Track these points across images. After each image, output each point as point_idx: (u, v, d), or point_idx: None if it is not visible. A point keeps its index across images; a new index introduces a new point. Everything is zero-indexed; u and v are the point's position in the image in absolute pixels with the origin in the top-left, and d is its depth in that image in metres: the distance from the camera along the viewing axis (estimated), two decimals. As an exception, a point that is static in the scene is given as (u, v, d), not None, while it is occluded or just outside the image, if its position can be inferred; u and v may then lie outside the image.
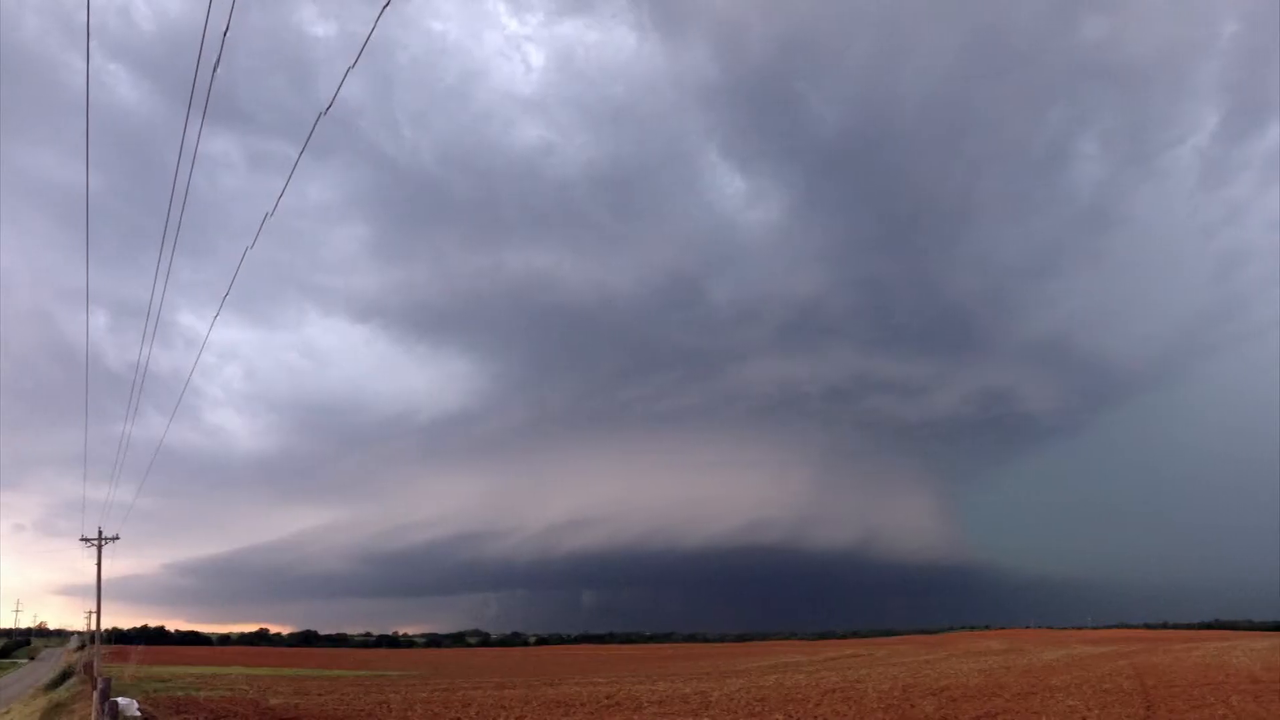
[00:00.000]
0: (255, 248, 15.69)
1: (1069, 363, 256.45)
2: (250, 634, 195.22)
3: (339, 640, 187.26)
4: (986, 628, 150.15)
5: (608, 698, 35.23)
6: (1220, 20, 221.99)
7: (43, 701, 42.69)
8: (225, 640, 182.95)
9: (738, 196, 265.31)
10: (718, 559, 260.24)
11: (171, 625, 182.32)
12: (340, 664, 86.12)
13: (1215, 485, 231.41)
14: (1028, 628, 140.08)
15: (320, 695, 38.17)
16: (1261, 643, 57.43)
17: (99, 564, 73.34)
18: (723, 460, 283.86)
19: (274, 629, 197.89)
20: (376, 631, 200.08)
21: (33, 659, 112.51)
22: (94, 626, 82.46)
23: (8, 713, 40.68)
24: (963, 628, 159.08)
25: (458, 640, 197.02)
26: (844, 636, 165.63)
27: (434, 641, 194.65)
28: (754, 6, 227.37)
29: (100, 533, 73.83)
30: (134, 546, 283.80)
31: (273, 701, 34.28)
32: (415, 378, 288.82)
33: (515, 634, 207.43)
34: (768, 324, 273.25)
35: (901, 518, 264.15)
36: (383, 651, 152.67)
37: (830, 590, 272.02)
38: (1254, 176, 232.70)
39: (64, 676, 58.08)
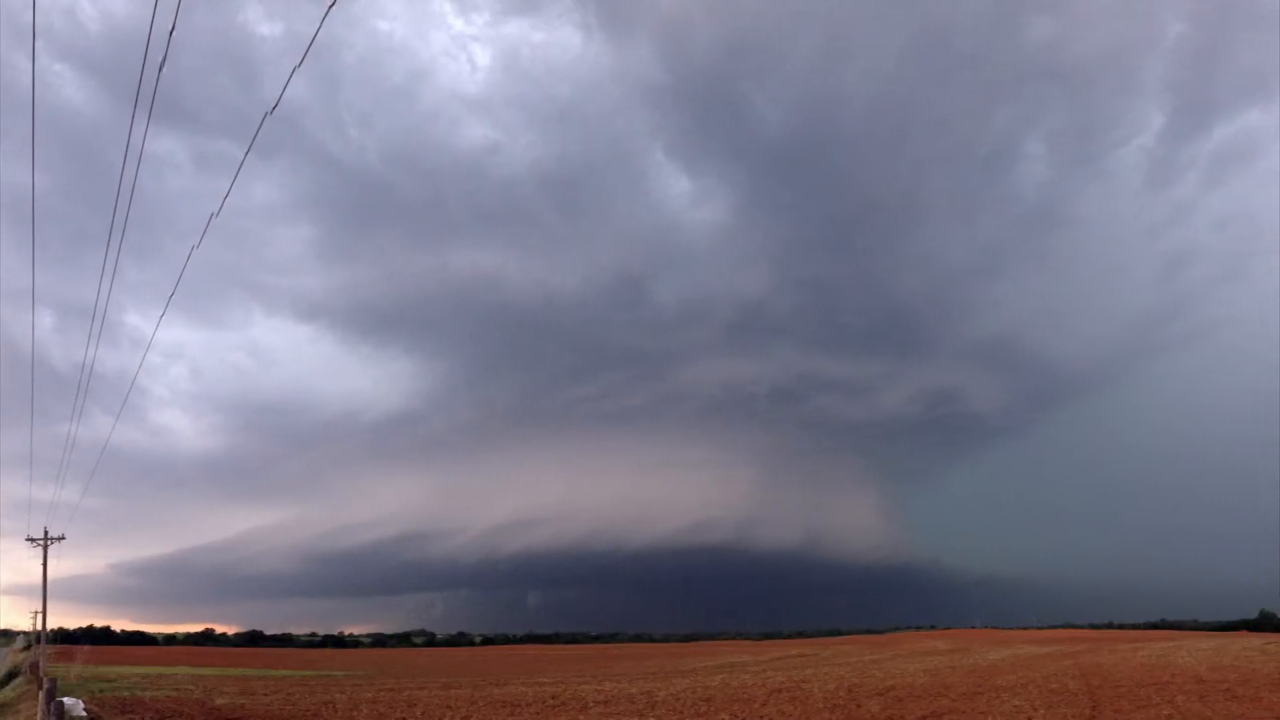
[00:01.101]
0: (201, 248, 15.60)
1: (1016, 362, 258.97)
2: (196, 634, 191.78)
3: (284, 640, 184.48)
4: (932, 628, 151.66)
5: (553, 698, 35.30)
6: (1166, 20, 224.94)
7: (-17, 702, 41.83)
8: (171, 640, 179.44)
9: (683, 196, 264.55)
10: (664, 559, 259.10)
11: (117, 625, 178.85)
12: (286, 664, 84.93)
13: (1162, 485, 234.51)
14: (973, 627, 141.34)
15: (266, 695, 37.80)
16: (1207, 643, 58.49)
17: (44, 564, 71.95)
18: (668, 460, 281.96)
19: (220, 629, 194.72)
20: (322, 631, 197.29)
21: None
22: (40, 626, 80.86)
23: None
24: (909, 628, 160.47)
25: (403, 640, 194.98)
26: (790, 636, 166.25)
27: (379, 641, 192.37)
28: (699, 7, 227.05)
29: (46, 533, 72.42)
30: (80, 546, 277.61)
31: (218, 701, 33.90)
32: (361, 378, 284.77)
33: (461, 634, 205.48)
34: (713, 324, 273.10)
35: (848, 517, 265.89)
36: (328, 651, 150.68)
37: (776, 590, 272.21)
38: (1199, 176, 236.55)
39: (10, 677, 56.95)
